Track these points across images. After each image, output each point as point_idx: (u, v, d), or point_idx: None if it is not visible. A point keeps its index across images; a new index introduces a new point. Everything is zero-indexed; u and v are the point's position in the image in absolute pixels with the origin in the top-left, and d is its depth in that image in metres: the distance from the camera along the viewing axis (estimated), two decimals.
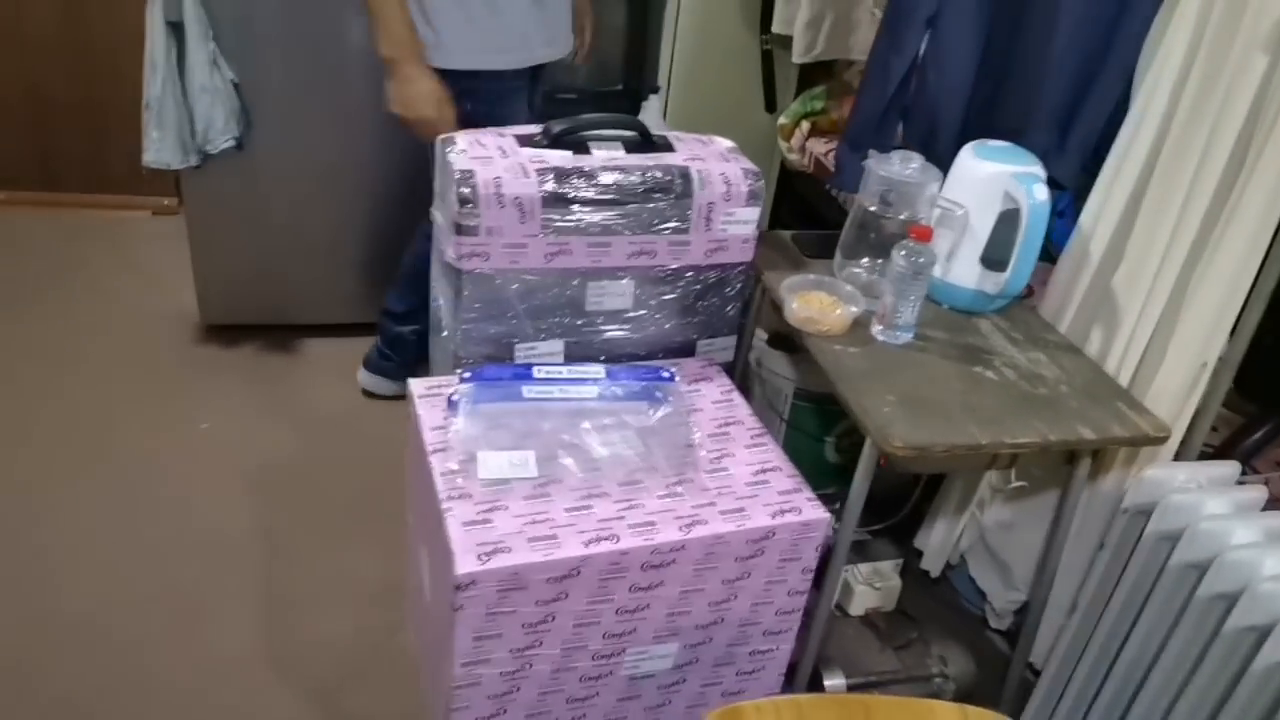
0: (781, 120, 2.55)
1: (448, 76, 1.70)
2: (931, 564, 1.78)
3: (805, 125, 2.51)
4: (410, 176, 2.26)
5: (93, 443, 1.95)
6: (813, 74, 2.59)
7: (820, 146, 2.44)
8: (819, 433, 1.98)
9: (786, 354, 1.97)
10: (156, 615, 1.60)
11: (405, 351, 2.13)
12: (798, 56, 2.31)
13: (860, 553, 1.73)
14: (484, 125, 1.51)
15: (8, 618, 1.56)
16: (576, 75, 2.44)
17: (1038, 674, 1.59)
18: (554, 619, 1.20)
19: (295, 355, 2.30)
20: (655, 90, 2.15)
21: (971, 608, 1.81)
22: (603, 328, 1.49)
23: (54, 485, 1.84)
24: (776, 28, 2.34)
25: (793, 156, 2.51)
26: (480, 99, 1.75)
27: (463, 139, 1.41)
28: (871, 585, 1.73)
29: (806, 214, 2.51)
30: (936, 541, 1.76)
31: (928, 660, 1.66)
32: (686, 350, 1.58)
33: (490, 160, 1.36)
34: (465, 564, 1.12)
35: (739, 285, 1.55)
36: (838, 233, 1.59)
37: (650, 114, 2.33)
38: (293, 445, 2.02)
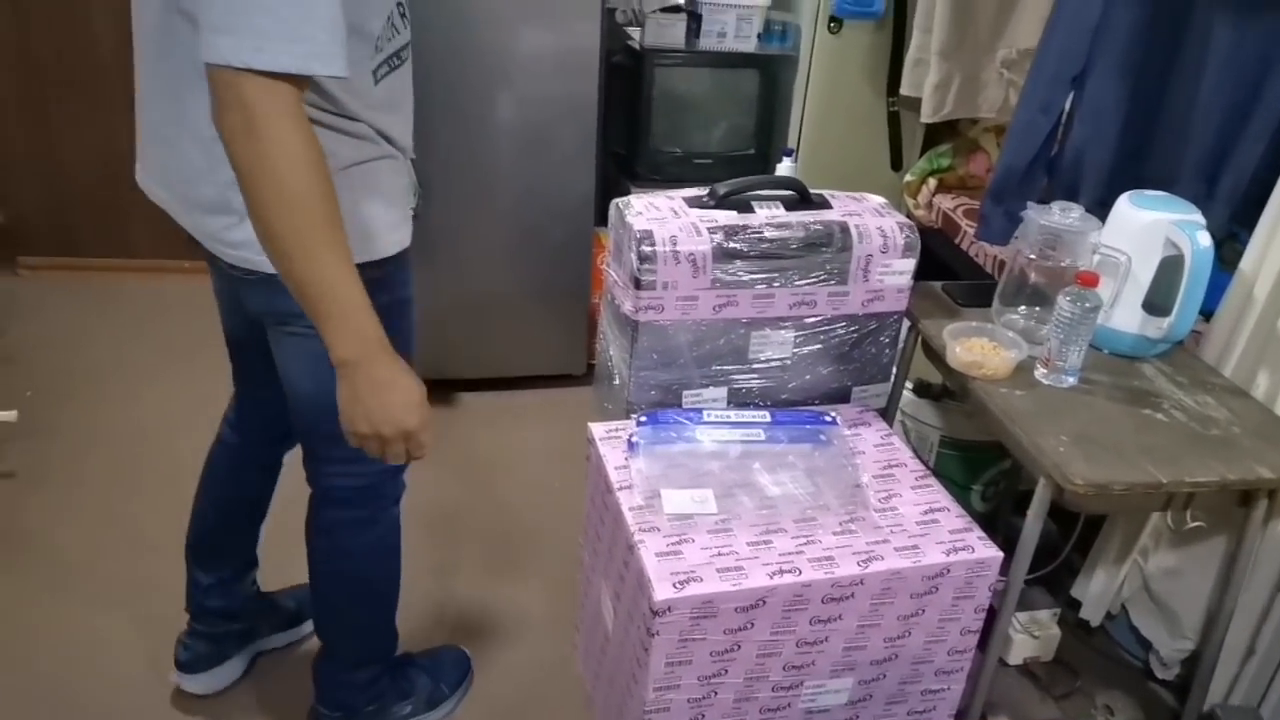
0: (908, 178, 2.63)
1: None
2: (1091, 613, 1.76)
3: (932, 182, 2.57)
4: (558, 245, 2.43)
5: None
6: (937, 132, 2.66)
7: (948, 202, 2.50)
8: (965, 480, 2.00)
9: (932, 402, 2.01)
10: None
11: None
12: (926, 117, 2.38)
13: (1017, 601, 1.74)
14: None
15: None
16: (711, 141, 2.58)
17: None
18: (739, 648, 1.26)
19: (452, 407, 2.46)
20: (789, 153, 2.26)
21: (1132, 658, 1.78)
22: (763, 375, 1.57)
23: None
24: (905, 90, 2.43)
25: (919, 212, 2.57)
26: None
27: (638, 202, 1.54)
28: (1030, 634, 1.73)
29: (935, 268, 2.55)
30: (1096, 591, 1.75)
31: (1093, 710, 1.65)
32: (842, 396, 1.64)
33: (665, 220, 1.48)
34: (662, 591, 1.19)
35: (894, 333, 1.61)
36: (989, 282, 1.65)
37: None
38: (457, 489, 2.15)
